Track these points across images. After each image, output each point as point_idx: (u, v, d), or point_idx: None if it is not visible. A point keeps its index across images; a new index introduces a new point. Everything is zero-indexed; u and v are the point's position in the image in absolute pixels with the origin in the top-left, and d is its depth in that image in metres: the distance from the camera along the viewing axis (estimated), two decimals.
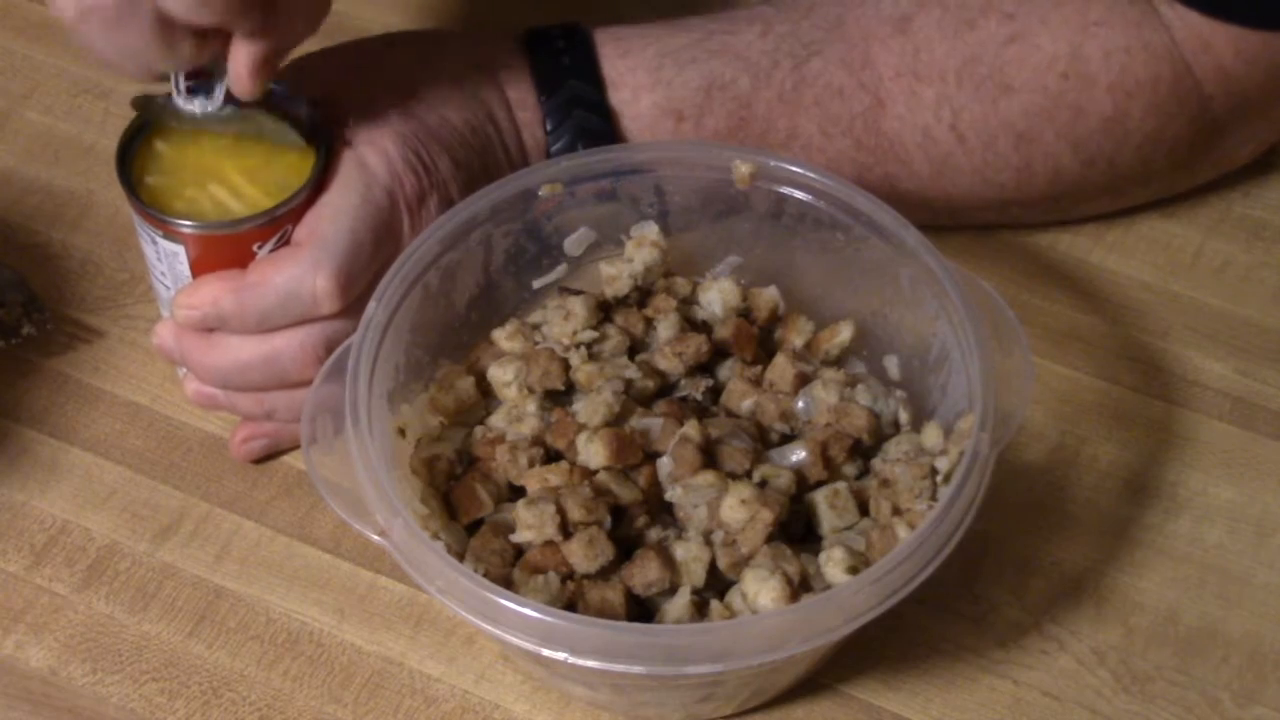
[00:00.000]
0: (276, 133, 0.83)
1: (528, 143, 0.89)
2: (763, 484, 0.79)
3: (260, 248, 0.82)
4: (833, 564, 0.76)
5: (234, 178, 0.84)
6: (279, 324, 0.83)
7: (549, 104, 0.88)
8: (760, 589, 0.75)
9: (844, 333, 0.85)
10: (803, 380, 0.83)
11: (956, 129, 0.89)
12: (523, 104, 0.89)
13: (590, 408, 0.80)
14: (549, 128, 0.88)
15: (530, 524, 0.77)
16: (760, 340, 0.85)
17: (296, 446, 0.87)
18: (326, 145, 0.83)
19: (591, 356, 0.83)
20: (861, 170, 0.90)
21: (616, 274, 0.85)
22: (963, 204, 0.92)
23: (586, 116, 0.88)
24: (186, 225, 0.82)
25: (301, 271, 0.81)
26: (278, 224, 0.82)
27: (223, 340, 0.84)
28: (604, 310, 0.85)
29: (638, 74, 0.89)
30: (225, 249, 0.82)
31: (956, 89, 0.88)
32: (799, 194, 0.84)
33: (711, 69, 0.89)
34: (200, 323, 0.83)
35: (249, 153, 0.84)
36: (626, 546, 0.78)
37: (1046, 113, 0.88)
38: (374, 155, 0.83)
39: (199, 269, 0.83)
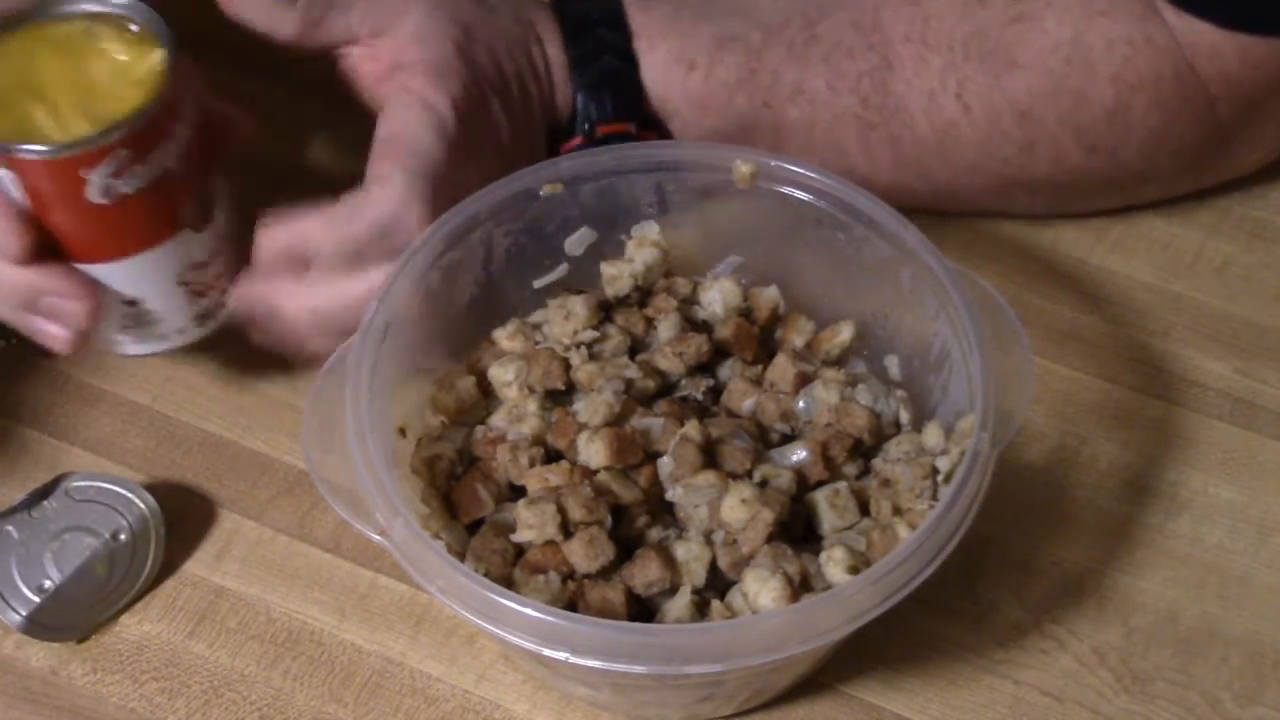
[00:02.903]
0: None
1: (560, 104, 0.90)
2: (763, 484, 0.79)
3: (88, 173, 0.78)
4: (833, 564, 0.76)
5: (56, 96, 0.80)
6: (371, 258, 0.82)
7: (574, 51, 0.90)
8: (761, 589, 0.75)
9: (844, 332, 0.85)
10: (803, 380, 0.83)
11: (962, 98, 0.89)
12: (557, 62, 0.90)
13: (591, 407, 0.80)
14: (575, 60, 0.90)
15: (531, 524, 0.77)
16: (761, 340, 0.85)
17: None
18: (174, 62, 0.79)
19: (592, 356, 0.83)
20: (865, 129, 0.90)
21: (617, 274, 0.85)
22: (966, 181, 0.92)
23: (611, 60, 0.89)
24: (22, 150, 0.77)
25: (400, 199, 0.81)
26: (110, 148, 0.78)
27: (319, 280, 0.83)
28: (604, 310, 0.85)
29: (654, 23, 0.91)
30: (51, 176, 0.78)
31: (963, 59, 0.89)
32: (800, 194, 0.84)
33: (725, 25, 0.91)
34: (286, 256, 0.82)
35: (80, 71, 0.80)
36: (627, 546, 0.78)
37: (1050, 94, 0.89)
38: (439, 95, 0.84)
39: (34, 199, 0.79)
